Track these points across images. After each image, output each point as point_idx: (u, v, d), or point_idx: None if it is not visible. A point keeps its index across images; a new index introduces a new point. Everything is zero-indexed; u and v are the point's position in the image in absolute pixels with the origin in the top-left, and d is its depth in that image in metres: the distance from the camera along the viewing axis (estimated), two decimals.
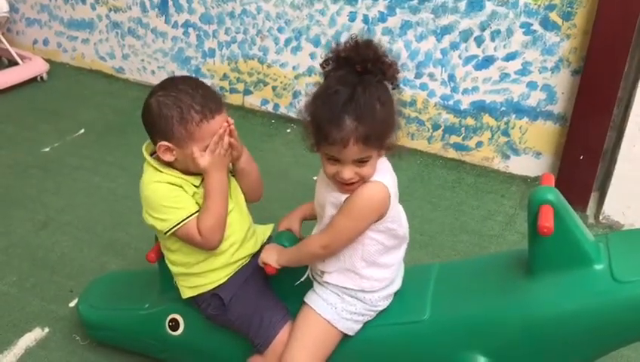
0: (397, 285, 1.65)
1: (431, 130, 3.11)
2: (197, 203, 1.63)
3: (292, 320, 1.66)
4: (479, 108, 2.97)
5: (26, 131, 3.34)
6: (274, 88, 3.45)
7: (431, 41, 2.94)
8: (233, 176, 1.74)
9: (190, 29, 3.55)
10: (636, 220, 2.58)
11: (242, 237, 1.71)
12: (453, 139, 3.08)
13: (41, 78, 3.86)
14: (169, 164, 1.62)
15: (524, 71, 2.81)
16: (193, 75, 3.51)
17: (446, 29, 2.89)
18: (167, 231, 1.61)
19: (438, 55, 2.95)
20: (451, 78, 2.97)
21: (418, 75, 3.03)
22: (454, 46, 2.91)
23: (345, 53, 1.41)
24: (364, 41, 1.42)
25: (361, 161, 1.42)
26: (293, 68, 3.34)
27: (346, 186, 1.46)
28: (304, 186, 2.11)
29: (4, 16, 3.72)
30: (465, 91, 2.96)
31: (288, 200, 1.99)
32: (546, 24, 2.69)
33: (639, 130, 2.47)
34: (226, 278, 1.70)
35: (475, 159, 3.07)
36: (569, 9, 2.62)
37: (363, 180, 1.45)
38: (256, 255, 1.73)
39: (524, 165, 2.97)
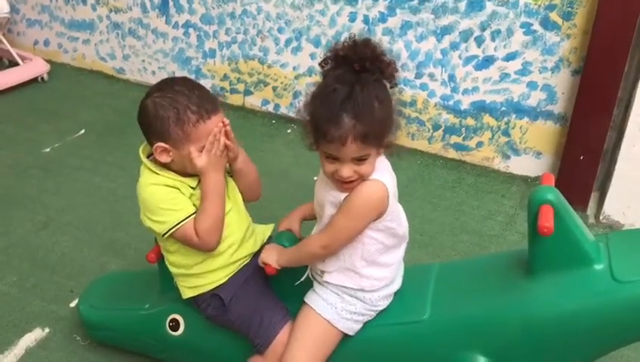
0: (397, 285, 1.65)
1: (431, 130, 3.11)
2: (194, 205, 1.63)
3: (292, 320, 1.66)
4: (479, 108, 2.97)
5: (26, 131, 3.34)
6: (274, 88, 3.45)
7: (431, 42, 2.94)
8: (231, 176, 1.73)
9: (191, 30, 3.55)
10: (636, 220, 2.58)
11: (241, 237, 1.71)
12: (454, 139, 3.08)
13: (42, 78, 3.86)
14: (166, 166, 1.62)
15: (524, 71, 2.81)
16: (193, 76, 3.52)
17: (446, 29, 2.89)
18: (165, 234, 1.61)
19: (438, 55, 2.95)
20: (451, 78, 2.97)
21: (418, 76, 3.03)
22: (454, 46, 2.90)
23: (343, 52, 1.41)
24: (362, 39, 1.42)
25: (360, 159, 1.42)
26: (294, 68, 3.34)
27: (345, 185, 1.46)
28: (304, 186, 2.10)
29: (5, 17, 3.72)
30: (465, 91, 2.96)
31: (289, 201, 1.99)
32: (546, 24, 2.69)
33: (639, 130, 2.47)
34: (226, 278, 1.70)
35: (475, 159, 3.07)
36: (569, 9, 2.62)
37: (362, 178, 1.45)
38: (256, 255, 1.73)
39: (524, 165, 2.97)
